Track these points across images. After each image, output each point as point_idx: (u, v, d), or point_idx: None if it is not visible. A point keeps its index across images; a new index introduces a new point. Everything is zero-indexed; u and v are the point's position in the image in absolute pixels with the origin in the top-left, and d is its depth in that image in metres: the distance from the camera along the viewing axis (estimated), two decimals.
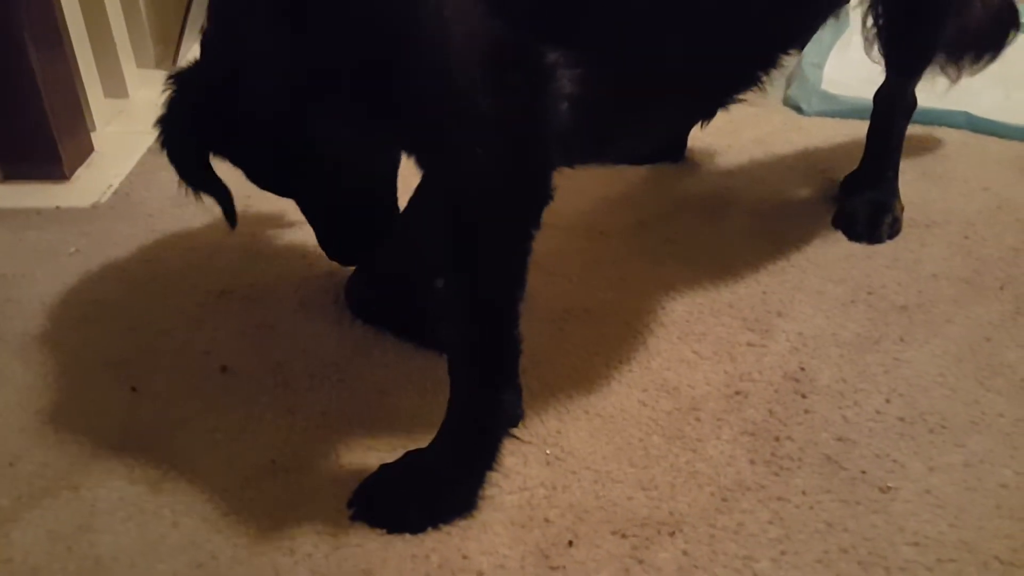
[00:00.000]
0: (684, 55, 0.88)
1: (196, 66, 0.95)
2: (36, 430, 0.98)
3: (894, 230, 1.31)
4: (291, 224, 1.34)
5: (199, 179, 0.98)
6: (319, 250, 1.18)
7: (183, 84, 0.95)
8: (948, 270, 1.22)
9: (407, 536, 0.85)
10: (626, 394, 1.02)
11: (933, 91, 1.63)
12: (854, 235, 1.30)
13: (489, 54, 0.73)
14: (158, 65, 1.88)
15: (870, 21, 1.30)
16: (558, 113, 0.75)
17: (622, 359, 1.07)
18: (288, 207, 1.24)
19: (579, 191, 1.40)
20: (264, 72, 0.86)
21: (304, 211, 1.13)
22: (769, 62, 1.02)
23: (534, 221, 0.81)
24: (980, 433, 0.95)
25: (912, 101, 1.35)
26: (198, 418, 1.00)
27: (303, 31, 0.79)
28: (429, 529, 0.86)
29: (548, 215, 0.81)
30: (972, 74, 1.40)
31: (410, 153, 0.84)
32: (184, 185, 0.98)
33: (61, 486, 0.92)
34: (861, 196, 1.34)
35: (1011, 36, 1.38)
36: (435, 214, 0.83)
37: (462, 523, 0.86)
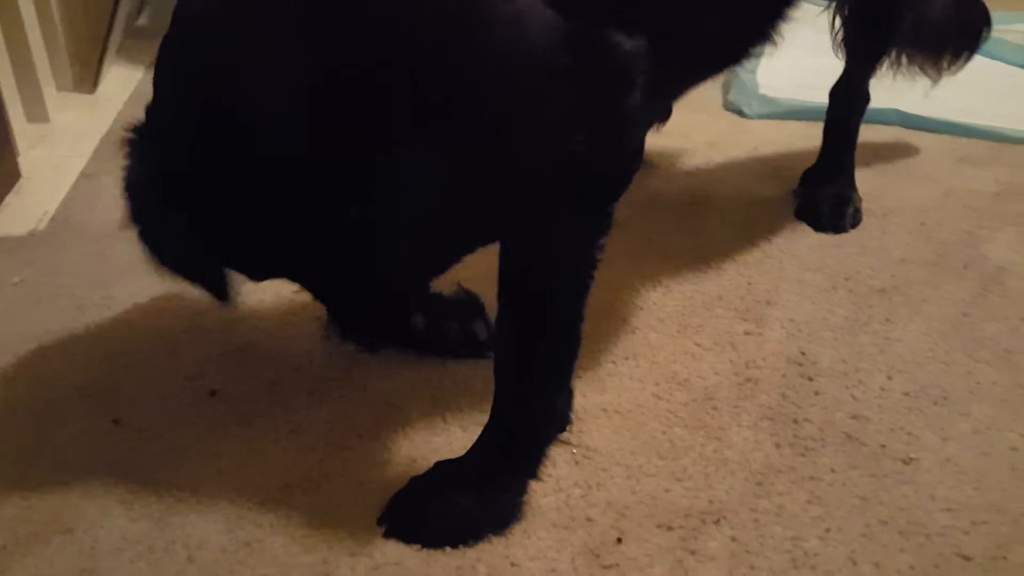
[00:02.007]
0: (718, 18, 0.90)
1: (158, 121, 0.80)
2: (11, 472, 0.90)
3: (856, 220, 1.35)
4: None
5: (191, 263, 0.85)
6: None
7: (146, 146, 0.80)
8: (914, 254, 1.27)
9: (447, 549, 0.81)
10: (639, 389, 1.01)
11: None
12: (820, 226, 1.34)
13: (568, 49, 0.71)
14: (76, 88, 1.79)
15: (834, 16, 1.34)
16: (639, 100, 0.74)
17: (627, 356, 1.06)
18: None
19: None
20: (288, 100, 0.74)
21: (317, 291, 0.95)
22: (780, 15, 1.08)
23: (613, 209, 0.80)
24: (980, 402, 0.98)
25: (866, 96, 1.40)
26: (195, 446, 0.93)
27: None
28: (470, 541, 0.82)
29: None
30: (953, 73, 1.45)
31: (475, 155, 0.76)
32: (168, 272, 0.85)
33: (52, 530, 0.84)
34: (823, 189, 1.38)
35: (985, 34, 1.44)
36: (506, 207, 0.78)
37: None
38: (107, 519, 0.85)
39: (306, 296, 1.16)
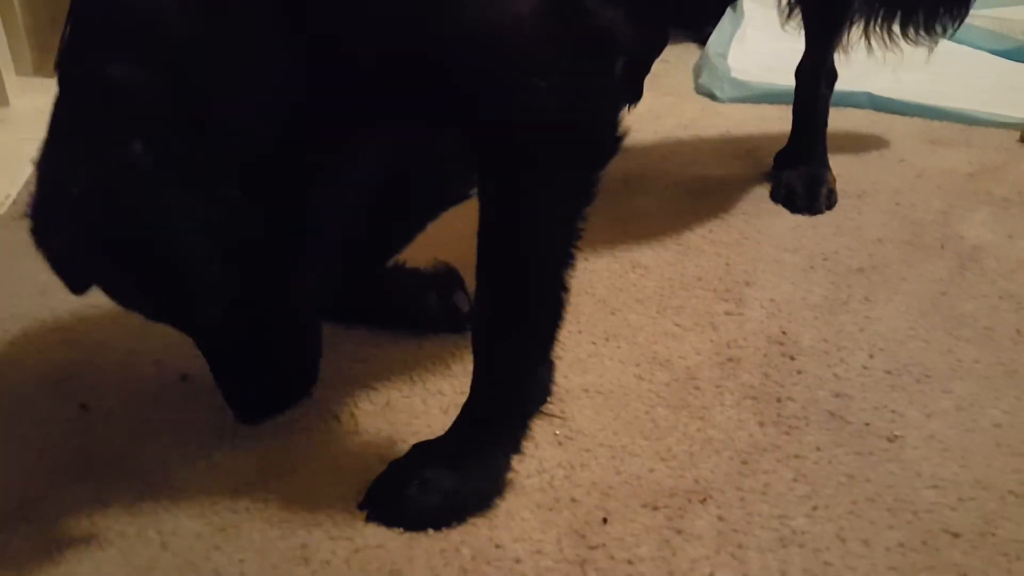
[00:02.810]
0: None
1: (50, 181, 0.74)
2: None
3: (831, 200, 1.35)
4: None
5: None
6: None
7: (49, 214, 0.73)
8: (890, 234, 1.27)
9: (430, 531, 0.79)
10: (621, 370, 0.99)
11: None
12: (795, 207, 1.34)
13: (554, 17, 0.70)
14: (36, 72, 1.74)
15: None
16: (619, 67, 0.74)
17: (607, 337, 1.05)
18: None
19: None
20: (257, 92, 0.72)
21: (208, 352, 0.86)
22: None
23: (597, 178, 0.78)
24: (962, 379, 0.98)
25: (833, 73, 1.40)
26: (166, 431, 0.90)
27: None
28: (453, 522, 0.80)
29: None
30: (949, 36, 1.40)
31: (458, 118, 0.75)
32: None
33: (16, 518, 0.81)
34: (796, 170, 1.38)
35: None
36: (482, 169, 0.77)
37: (486, 512, 0.81)
38: (74, 507, 0.82)
39: None
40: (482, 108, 0.72)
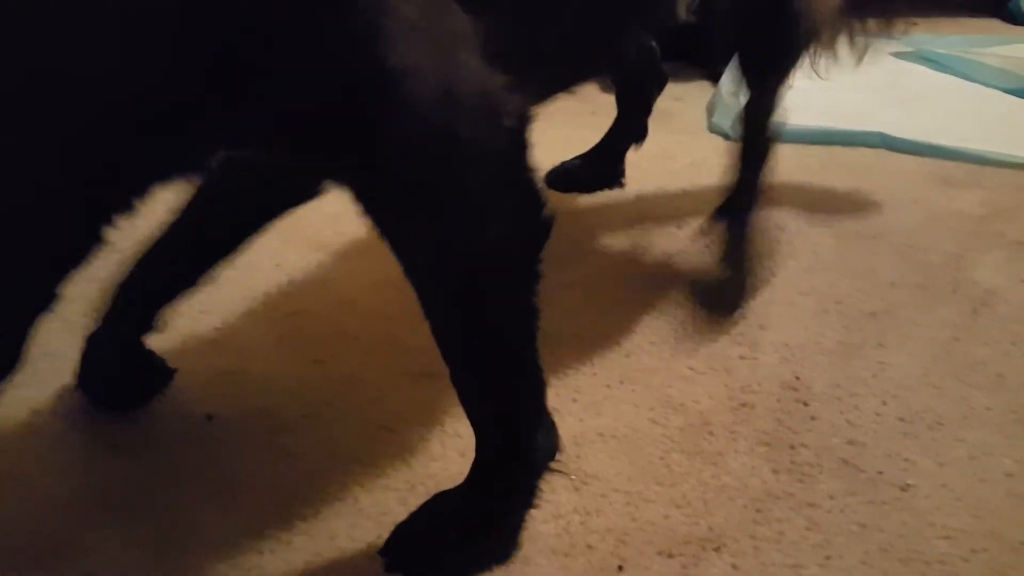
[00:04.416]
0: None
1: None
2: (7, 498, 0.88)
3: (736, 302, 1.19)
4: (244, 262, 1.27)
5: None
6: (281, 288, 1.12)
7: None
8: (902, 277, 1.28)
9: None
10: (635, 414, 1.01)
11: (845, 115, 1.77)
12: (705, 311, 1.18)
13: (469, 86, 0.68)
14: None
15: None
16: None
17: (622, 380, 1.06)
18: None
19: None
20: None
21: None
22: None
23: (541, 247, 0.77)
24: (974, 427, 0.99)
25: (773, 134, 1.30)
26: (193, 471, 0.92)
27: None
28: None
29: None
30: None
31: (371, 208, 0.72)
32: None
33: (48, 556, 0.82)
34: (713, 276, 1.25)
35: None
36: (426, 271, 0.74)
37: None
38: (104, 546, 0.83)
39: (290, 320, 1.16)
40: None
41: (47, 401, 1.01)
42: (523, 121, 0.73)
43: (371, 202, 0.71)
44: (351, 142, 0.68)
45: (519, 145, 0.73)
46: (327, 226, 1.32)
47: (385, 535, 0.83)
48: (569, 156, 1.53)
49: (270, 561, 0.82)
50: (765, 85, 1.28)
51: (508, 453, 0.82)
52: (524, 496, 0.84)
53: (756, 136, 1.30)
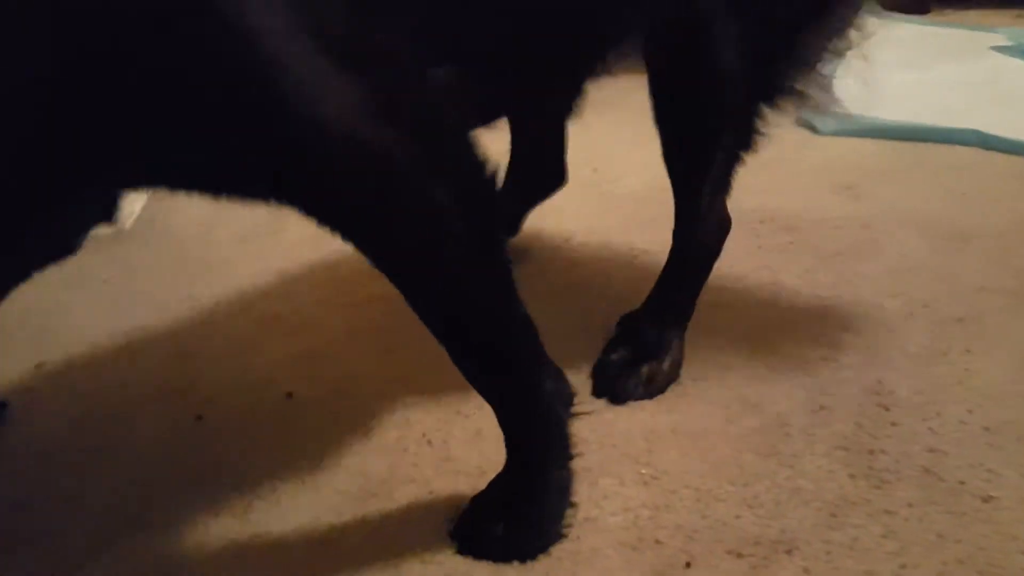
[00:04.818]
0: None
1: None
2: (94, 466, 0.93)
3: (650, 389, 1.02)
4: (326, 250, 1.31)
5: None
6: (358, 276, 1.14)
7: None
8: (992, 282, 1.24)
9: (516, 564, 0.82)
10: (709, 412, 1.00)
11: (940, 111, 1.71)
12: (599, 390, 1.03)
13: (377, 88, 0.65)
14: None
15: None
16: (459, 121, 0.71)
17: (696, 377, 1.06)
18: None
19: (610, 209, 1.39)
20: None
21: None
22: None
23: (495, 237, 0.75)
24: None
25: (714, 242, 1.07)
26: (275, 446, 0.96)
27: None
28: (540, 556, 0.83)
29: None
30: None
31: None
32: None
33: (135, 524, 0.87)
34: (621, 347, 1.06)
35: None
36: (392, 266, 0.75)
37: (570, 547, 0.84)
38: (191, 514, 0.88)
39: (365, 307, 1.19)
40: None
41: (134, 373, 1.06)
42: (449, 113, 0.71)
43: (318, 218, 0.71)
44: (272, 174, 0.67)
45: (446, 138, 0.71)
46: None
47: (454, 517, 0.85)
48: None
49: (345, 536, 0.85)
50: (688, 183, 1.01)
51: (522, 410, 0.83)
52: (556, 449, 0.84)
53: (683, 248, 1.06)
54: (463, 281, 0.75)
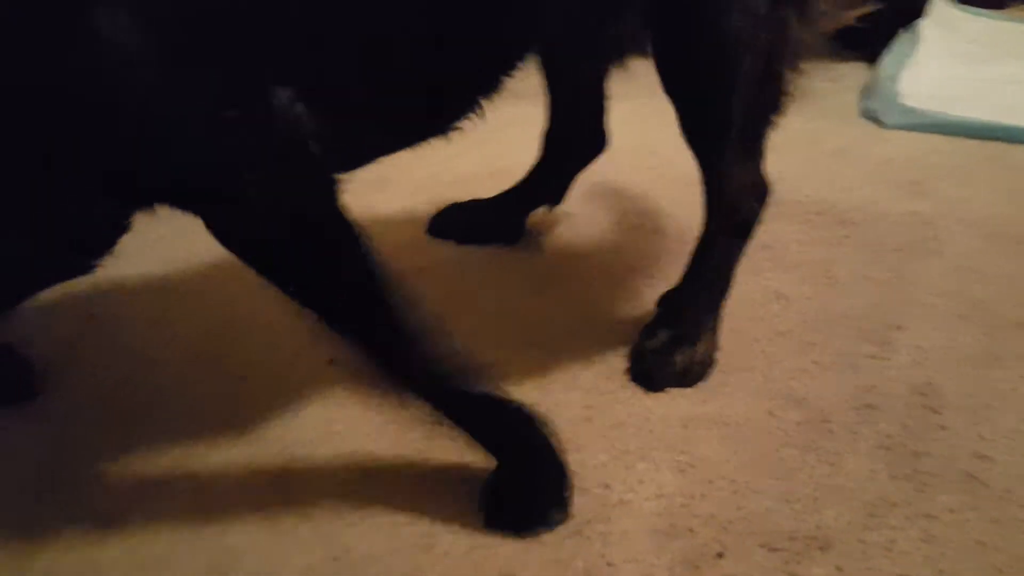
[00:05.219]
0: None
1: None
2: (139, 422, 0.95)
3: (686, 379, 1.00)
4: (369, 219, 1.32)
5: None
6: (402, 248, 1.16)
7: None
8: None
9: (545, 539, 0.82)
10: (752, 403, 0.99)
11: (1010, 109, 1.65)
12: (635, 375, 1.01)
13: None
14: None
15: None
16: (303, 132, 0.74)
17: (741, 367, 1.04)
18: (359, 197, 1.22)
19: (677, 199, 1.37)
20: None
21: None
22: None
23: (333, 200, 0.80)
24: None
25: (747, 210, 1.03)
26: (313, 409, 0.97)
27: None
28: (571, 532, 0.83)
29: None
30: None
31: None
32: None
33: (178, 475, 0.89)
34: (660, 330, 1.03)
35: None
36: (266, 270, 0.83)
37: (602, 528, 0.84)
38: (230, 470, 0.89)
39: (419, 277, 1.19)
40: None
41: (176, 337, 1.08)
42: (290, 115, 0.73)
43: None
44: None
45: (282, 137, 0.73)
46: (458, 186, 1.35)
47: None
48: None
49: (379, 501, 0.86)
50: (706, 150, 0.97)
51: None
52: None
53: (711, 217, 1.03)
54: (313, 242, 0.81)
